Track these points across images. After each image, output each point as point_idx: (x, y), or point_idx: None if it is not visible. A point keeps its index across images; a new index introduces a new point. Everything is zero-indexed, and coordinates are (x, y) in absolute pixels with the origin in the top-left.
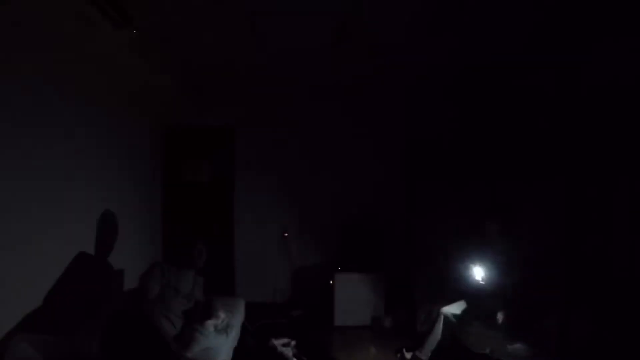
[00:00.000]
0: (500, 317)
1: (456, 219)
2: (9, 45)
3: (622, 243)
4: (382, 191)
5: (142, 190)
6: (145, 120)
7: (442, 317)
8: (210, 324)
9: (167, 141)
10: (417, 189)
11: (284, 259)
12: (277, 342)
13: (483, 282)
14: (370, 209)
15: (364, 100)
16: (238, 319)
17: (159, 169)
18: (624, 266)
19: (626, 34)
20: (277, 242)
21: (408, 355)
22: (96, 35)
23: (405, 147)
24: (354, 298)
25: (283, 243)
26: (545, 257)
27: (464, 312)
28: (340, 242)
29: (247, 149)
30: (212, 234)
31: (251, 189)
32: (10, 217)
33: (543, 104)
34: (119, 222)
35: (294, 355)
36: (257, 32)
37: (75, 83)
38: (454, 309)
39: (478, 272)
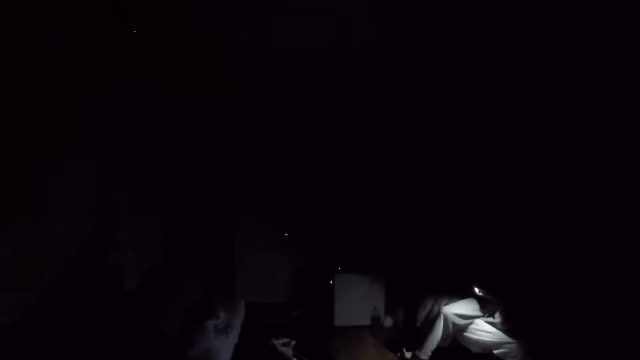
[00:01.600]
0: (500, 316)
1: (457, 218)
2: (8, 45)
3: (623, 242)
4: (382, 191)
5: (142, 189)
6: (146, 119)
7: (442, 316)
8: (210, 324)
9: (167, 140)
10: (417, 189)
11: (284, 259)
12: (277, 342)
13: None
14: (370, 209)
15: (364, 100)
16: (238, 319)
17: (159, 169)
18: (625, 266)
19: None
20: (277, 242)
21: (408, 355)
22: (96, 34)
23: (406, 147)
24: (354, 298)
25: (283, 243)
26: (547, 256)
27: (464, 311)
28: (340, 242)
29: (247, 149)
30: (212, 234)
31: (251, 189)
32: (10, 217)
33: (544, 102)
34: (119, 222)
35: (294, 355)
36: (257, 32)
37: (74, 82)
38: (455, 308)
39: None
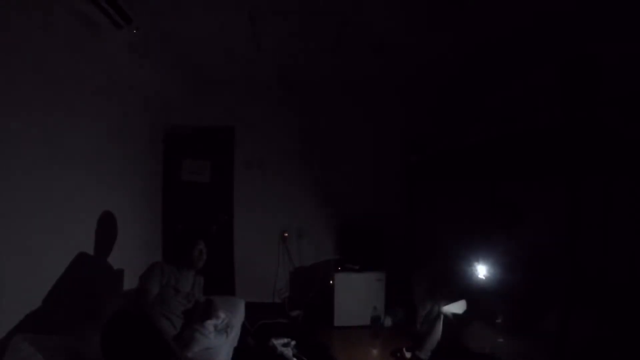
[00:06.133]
0: (500, 316)
1: (457, 218)
2: (9, 46)
3: (623, 243)
4: (382, 191)
5: (142, 190)
6: (146, 119)
7: (442, 316)
8: (210, 324)
9: (167, 141)
10: (417, 188)
11: (284, 259)
12: (277, 342)
13: (485, 279)
14: (370, 208)
15: (364, 100)
16: (238, 319)
17: (159, 169)
18: (625, 266)
19: None
20: (277, 242)
21: (408, 355)
22: (96, 35)
23: (405, 147)
24: (354, 298)
25: (283, 243)
26: (546, 256)
27: (464, 311)
28: (340, 242)
29: (247, 149)
30: (212, 234)
31: (251, 189)
32: (11, 217)
33: (545, 98)
34: (119, 222)
35: (294, 355)
36: (257, 31)
37: (74, 82)
38: (454, 308)
39: (481, 270)
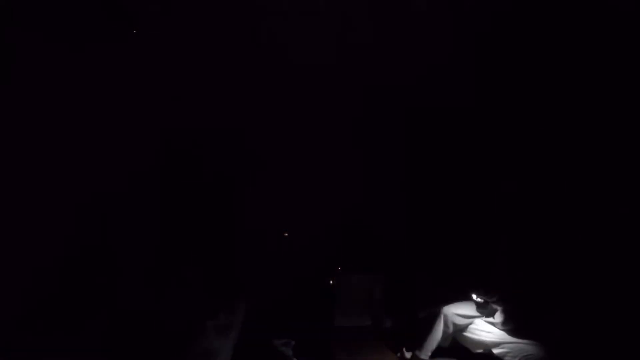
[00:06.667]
0: (501, 316)
1: (457, 218)
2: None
3: (623, 243)
4: (382, 190)
5: (143, 189)
6: (146, 119)
7: (442, 316)
8: (210, 324)
9: (168, 141)
10: (417, 188)
11: (284, 258)
12: (277, 342)
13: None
14: (370, 208)
15: (364, 99)
16: (238, 319)
17: (161, 169)
18: (625, 266)
19: None
20: (277, 242)
21: (408, 355)
22: (96, 35)
23: (406, 145)
24: (354, 298)
25: (283, 243)
26: (547, 254)
27: (465, 311)
28: (340, 242)
29: (248, 149)
30: (211, 234)
31: (251, 189)
32: (11, 216)
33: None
34: (119, 221)
35: (294, 355)
36: (258, 32)
37: (75, 83)
38: (455, 308)
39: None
